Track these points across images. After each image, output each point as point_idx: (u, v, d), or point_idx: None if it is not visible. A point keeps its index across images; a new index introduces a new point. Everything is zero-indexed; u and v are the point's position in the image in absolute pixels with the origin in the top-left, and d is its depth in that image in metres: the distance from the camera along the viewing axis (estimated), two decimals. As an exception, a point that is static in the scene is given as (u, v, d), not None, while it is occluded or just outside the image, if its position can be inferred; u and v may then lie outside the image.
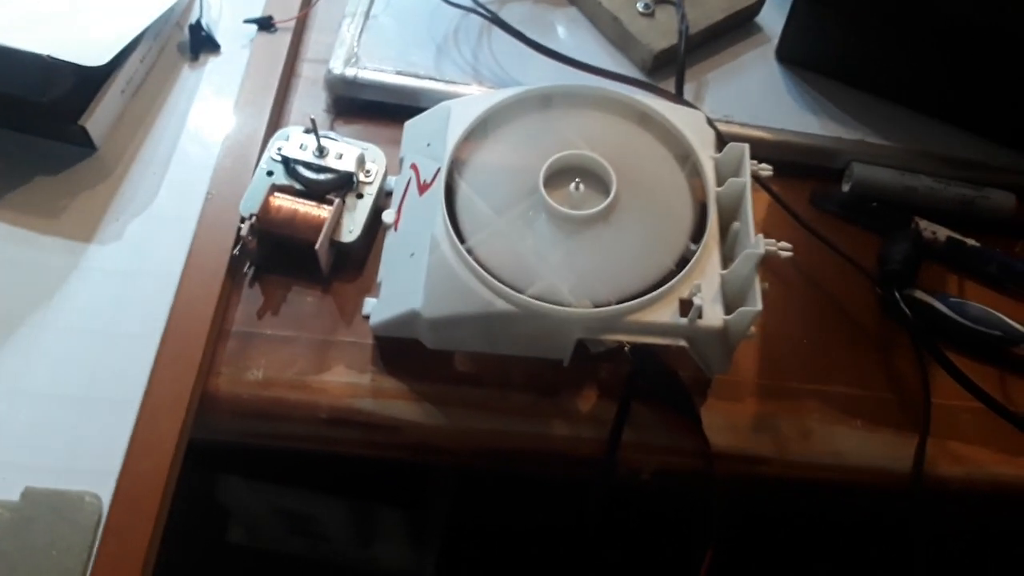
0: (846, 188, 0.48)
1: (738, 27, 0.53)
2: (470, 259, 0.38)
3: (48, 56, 0.41)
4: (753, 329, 0.37)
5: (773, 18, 0.54)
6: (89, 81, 0.44)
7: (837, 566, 0.54)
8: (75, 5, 0.46)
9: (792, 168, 0.48)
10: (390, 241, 0.43)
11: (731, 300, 0.38)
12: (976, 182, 0.47)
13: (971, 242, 0.45)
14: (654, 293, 0.37)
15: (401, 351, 0.41)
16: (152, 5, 0.47)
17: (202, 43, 0.50)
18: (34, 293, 0.41)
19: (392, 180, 0.45)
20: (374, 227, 0.44)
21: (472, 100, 0.44)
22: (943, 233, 0.45)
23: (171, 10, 0.49)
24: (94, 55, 0.42)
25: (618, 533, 0.44)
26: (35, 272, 0.42)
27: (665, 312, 0.37)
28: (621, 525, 0.45)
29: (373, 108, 0.49)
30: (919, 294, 0.43)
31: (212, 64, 0.50)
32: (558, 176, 0.41)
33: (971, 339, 0.42)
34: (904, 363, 0.42)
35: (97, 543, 0.35)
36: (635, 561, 0.54)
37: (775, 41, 0.53)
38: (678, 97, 0.48)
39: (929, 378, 0.41)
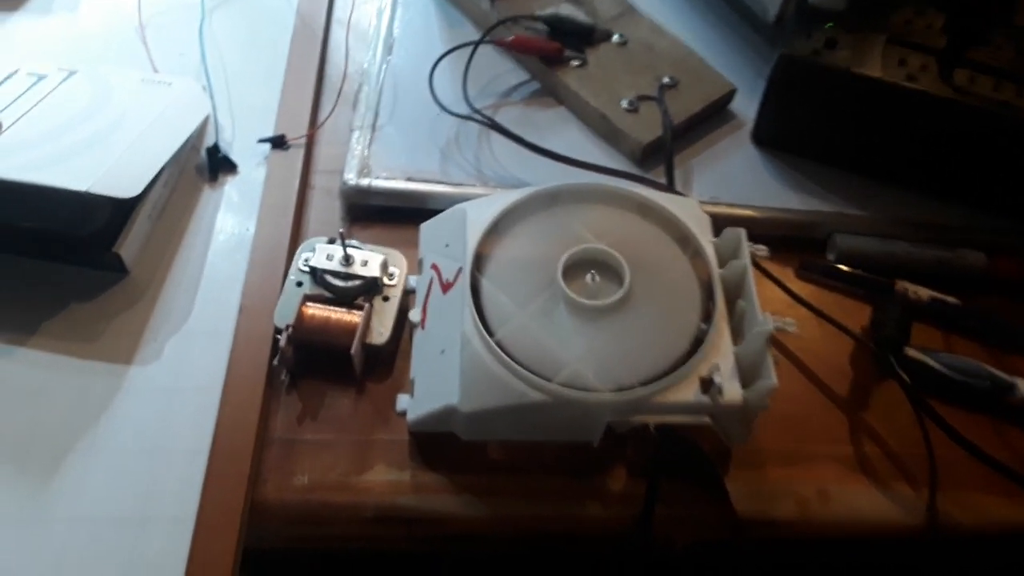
0: (831, 257, 0.52)
1: (714, 115, 0.58)
2: (501, 353, 0.40)
3: (87, 192, 0.43)
4: (768, 399, 0.40)
5: (745, 104, 0.59)
6: (121, 210, 0.46)
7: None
8: (100, 138, 0.48)
9: (778, 241, 0.52)
10: (419, 340, 0.45)
11: (746, 375, 0.41)
12: (949, 243, 0.52)
13: (952, 300, 0.49)
14: (675, 374, 0.40)
15: (436, 444, 0.43)
16: (174, 133, 0.50)
17: (220, 164, 0.53)
18: (81, 418, 0.42)
19: (413, 280, 0.48)
20: (400, 327, 0.47)
21: (485, 202, 0.47)
22: (925, 293, 0.49)
23: (190, 133, 0.52)
24: (128, 187, 0.45)
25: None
26: (80, 398, 0.43)
27: (687, 391, 0.40)
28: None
29: (386, 213, 0.53)
30: (912, 352, 0.46)
31: (231, 183, 0.53)
32: (574, 268, 0.44)
33: (964, 392, 0.46)
34: (907, 419, 0.45)
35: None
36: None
37: (749, 125, 0.58)
38: (670, 187, 0.52)
39: (930, 432, 0.44)
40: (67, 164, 0.46)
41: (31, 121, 0.48)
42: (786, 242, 0.53)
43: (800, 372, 0.48)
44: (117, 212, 0.46)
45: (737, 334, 0.42)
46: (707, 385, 0.40)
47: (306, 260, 0.47)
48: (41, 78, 0.51)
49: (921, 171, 0.54)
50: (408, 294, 0.48)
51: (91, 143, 0.48)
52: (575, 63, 0.58)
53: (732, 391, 0.39)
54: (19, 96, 0.50)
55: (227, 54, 0.59)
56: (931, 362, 0.46)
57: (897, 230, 0.52)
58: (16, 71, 0.51)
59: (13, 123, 0.47)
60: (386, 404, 0.45)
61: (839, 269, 0.51)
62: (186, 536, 0.39)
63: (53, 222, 0.44)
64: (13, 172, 0.44)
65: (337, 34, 0.62)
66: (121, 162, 0.47)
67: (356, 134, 0.54)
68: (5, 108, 0.49)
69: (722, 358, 0.41)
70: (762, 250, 0.45)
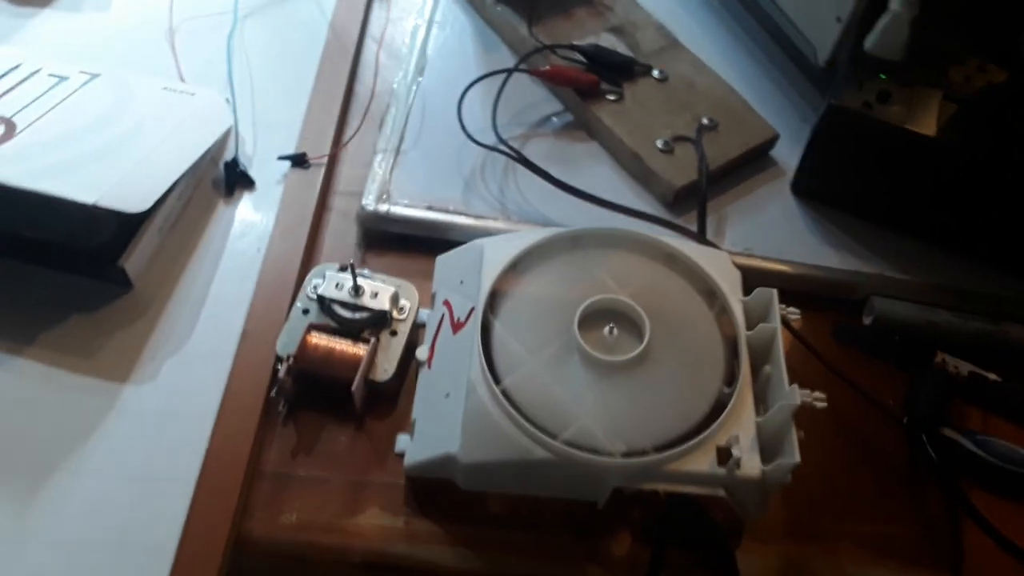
0: (867, 321, 0.49)
1: (754, 161, 0.56)
2: (507, 404, 0.38)
3: (94, 205, 0.42)
4: (789, 476, 0.37)
5: (787, 151, 0.56)
6: (130, 222, 0.45)
7: None
8: (115, 146, 0.47)
9: (812, 299, 0.49)
10: (424, 379, 0.43)
11: (767, 447, 0.38)
12: (994, 315, 0.49)
13: (992, 377, 0.46)
14: (691, 442, 0.37)
15: (434, 491, 0.41)
16: (192, 146, 0.49)
17: (237, 179, 0.51)
18: (70, 436, 0.41)
19: (424, 313, 0.46)
20: (406, 363, 0.45)
21: (504, 240, 0.45)
22: (965, 368, 0.46)
23: (208, 147, 0.51)
24: (138, 201, 0.44)
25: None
26: (71, 414, 0.42)
27: (703, 461, 0.37)
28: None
29: (404, 241, 0.51)
30: (948, 432, 0.43)
31: (246, 200, 0.51)
32: (592, 318, 0.42)
33: (1000, 478, 0.43)
34: (935, 502, 0.42)
35: None
36: None
37: (790, 174, 0.55)
38: (701, 236, 0.50)
39: (960, 518, 0.41)
40: (77, 173, 0.44)
41: (47, 125, 0.47)
42: (820, 300, 0.50)
43: (825, 443, 0.45)
44: (125, 225, 0.44)
45: (761, 401, 0.40)
46: (724, 456, 0.37)
47: (315, 287, 0.45)
48: (62, 80, 0.50)
49: (970, 236, 0.51)
50: (418, 328, 0.46)
51: (105, 151, 0.46)
52: (611, 97, 0.55)
53: (751, 465, 0.37)
54: (38, 97, 0.49)
55: (255, 64, 0.58)
56: (967, 444, 0.43)
57: (939, 297, 0.49)
58: (38, 70, 0.51)
59: (28, 126, 0.46)
60: (385, 443, 0.43)
61: (876, 336, 0.48)
62: (165, 568, 0.37)
63: (58, 232, 0.43)
64: (21, 179, 0.43)
65: (369, 51, 0.61)
66: (133, 174, 0.45)
67: (379, 157, 0.53)
68: (23, 109, 0.48)
69: (743, 428, 0.38)
70: (794, 313, 0.42)
